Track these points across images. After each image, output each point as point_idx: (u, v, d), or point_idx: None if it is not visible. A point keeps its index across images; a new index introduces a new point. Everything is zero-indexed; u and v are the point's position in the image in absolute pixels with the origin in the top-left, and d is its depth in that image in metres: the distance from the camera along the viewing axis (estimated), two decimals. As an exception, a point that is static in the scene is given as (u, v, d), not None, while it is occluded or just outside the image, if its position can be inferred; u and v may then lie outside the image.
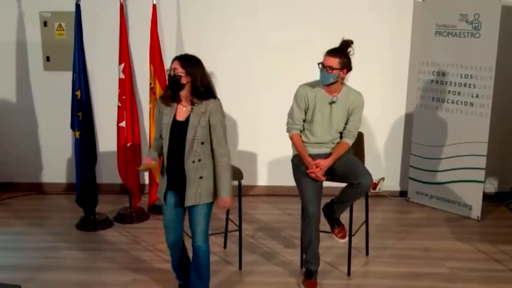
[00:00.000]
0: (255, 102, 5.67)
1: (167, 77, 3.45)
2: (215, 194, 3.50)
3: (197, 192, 3.46)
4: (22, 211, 5.47)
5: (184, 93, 3.41)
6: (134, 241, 4.77)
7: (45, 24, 5.59)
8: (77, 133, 4.87)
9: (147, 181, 5.55)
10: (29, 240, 4.80)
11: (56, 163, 5.91)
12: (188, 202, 3.47)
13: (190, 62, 3.40)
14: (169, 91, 3.43)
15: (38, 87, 5.77)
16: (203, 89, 3.40)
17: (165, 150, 3.46)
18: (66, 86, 5.17)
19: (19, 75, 5.77)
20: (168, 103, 3.44)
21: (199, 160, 3.43)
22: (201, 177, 3.44)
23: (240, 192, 4.25)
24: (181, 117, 3.43)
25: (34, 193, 5.90)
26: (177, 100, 3.44)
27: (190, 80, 3.38)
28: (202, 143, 3.42)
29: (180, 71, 3.36)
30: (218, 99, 3.48)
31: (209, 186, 3.48)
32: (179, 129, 3.42)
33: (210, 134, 3.44)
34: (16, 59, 5.73)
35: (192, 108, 3.41)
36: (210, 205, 3.53)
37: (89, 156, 4.93)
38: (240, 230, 4.34)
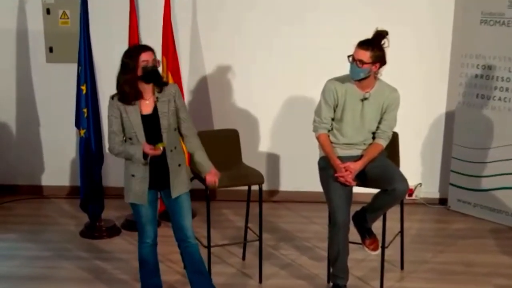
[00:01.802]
0: (277, 99, 5.68)
1: (143, 70, 3.51)
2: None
3: (180, 181, 3.68)
4: (22, 216, 5.55)
5: (148, 85, 3.57)
6: (144, 250, 4.82)
7: (48, 11, 5.67)
8: (82, 132, 4.93)
9: (158, 185, 5.60)
10: (29, 248, 4.87)
11: (58, 164, 5.99)
12: (176, 193, 3.67)
13: (153, 50, 3.59)
14: (135, 87, 3.52)
15: (40, 81, 5.85)
16: (161, 78, 3.66)
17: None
18: (70, 79, 5.22)
19: (19, 67, 5.85)
20: (132, 101, 3.56)
21: (175, 148, 3.66)
22: (179, 165, 3.69)
23: (261, 198, 4.27)
24: (146, 110, 3.60)
25: (34, 196, 5.98)
26: (140, 95, 3.58)
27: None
28: (175, 129, 3.69)
29: (156, 60, 3.55)
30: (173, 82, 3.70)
31: (187, 172, 3.79)
32: (149, 122, 3.58)
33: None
34: (16, 50, 5.81)
35: (157, 98, 3.59)
36: (189, 194, 3.75)
37: (95, 157, 4.99)
38: (260, 240, 4.36)
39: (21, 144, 6.00)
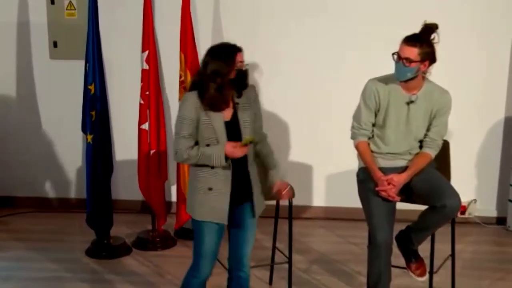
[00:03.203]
0: (311, 101, 5.68)
1: (237, 73, 3.47)
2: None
3: (260, 198, 3.68)
4: (22, 232, 5.62)
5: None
6: (157, 272, 4.85)
7: (52, 1, 5.74)
8: (90, 137, 4.98)
9: (174, 198, 5.64)
10: (29, 268, 4.92)
11: (62, 173, 6.06)
12: (258, 211, 3.66)
13: None
14: (227, 92, 3.47)
15: (43, 80, 5.92)
16: None
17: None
18: (77, 78, 5.28)
19: (19, 64, 5.93)
20: (224, 107, 3.50)
21: (253, 159, 3.64)
22: (256, 179, 3.67)
23: (291, 214, 4.28)
24: (226, 117, 3.54)
25: (34, 210, 6.04)
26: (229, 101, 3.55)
27: None
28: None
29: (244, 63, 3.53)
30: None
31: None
32: (230, 130, 3.53)
33: None
34: (16, 45, 5.90)
35: (237, 103, 3.54)
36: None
37: (103, 166, 5.04)
38: (290, 262, 4.36)
39: (20, 150, 6.07)
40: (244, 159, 3.55)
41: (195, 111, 3.46)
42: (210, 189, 3.53)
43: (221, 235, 3.64)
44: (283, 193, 3.80)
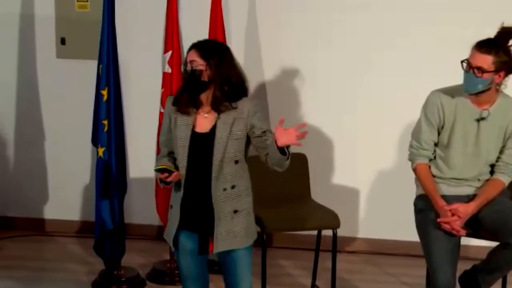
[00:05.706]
0: (361, 114, 5.66)
1: (183, 73, 3.62)
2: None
3: (230, 232, 3.59)
4: (18, 259, 5.64)
5: (206, 94, 3.56)
6: (176, 311, 4.87)
7: (61, -8, 5.82)
8: (101, 150, 5.00)
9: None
10: (27, 301, 4.97)
11: (67, 191, 6.08)
12: (219, 247, 3.58)
13: (212, 51, 3.56)
14: (187, 93, 3.58)
15: (48, 82, 5.96)
16: (233, 88, 3.56)
17: (182, 173, 3.56)
18: (87, 81, 5.33)
19: (21, 63, 5.98)
20: (187, 110, 3.58)
21: (233, 187, 3.58)
22: (235, 211, 3.60)
23: (335, 247, 4.27)
24: (202, 127, 3.58)
25: (35, 233, 6.07)
26: (196, 104, 3.59)
27: (215, 77, 3.53)
28: (236, 162, 3.58)
29: (199, 63, 3.51)
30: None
31: (249, 221, 3.67)
32: (201, 144, 3.55)
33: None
34: (18, 41, 5.95)
35: (219, 116, 3.56)
36: (251, 250, 3.69)
37: (116, 184, 5.04)
38: (332, 304, 4.36)
39: (19, 164, 6.11)
40: (205, 186, 3.55)
41: (167, 118, 3.66)
42: (171, 206, 3.69)
43: (202, 257, 3.69)
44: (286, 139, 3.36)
